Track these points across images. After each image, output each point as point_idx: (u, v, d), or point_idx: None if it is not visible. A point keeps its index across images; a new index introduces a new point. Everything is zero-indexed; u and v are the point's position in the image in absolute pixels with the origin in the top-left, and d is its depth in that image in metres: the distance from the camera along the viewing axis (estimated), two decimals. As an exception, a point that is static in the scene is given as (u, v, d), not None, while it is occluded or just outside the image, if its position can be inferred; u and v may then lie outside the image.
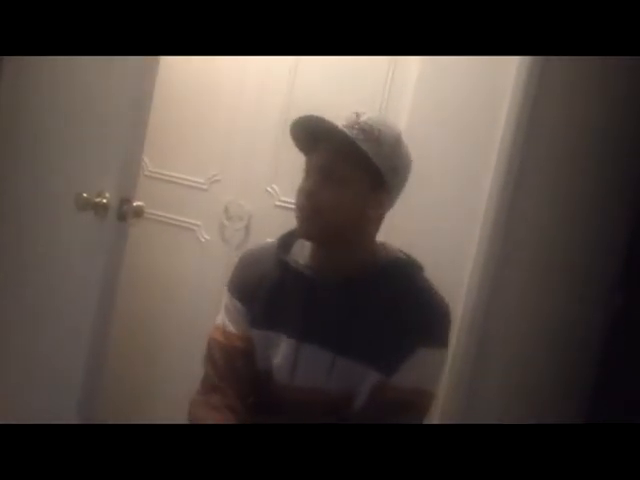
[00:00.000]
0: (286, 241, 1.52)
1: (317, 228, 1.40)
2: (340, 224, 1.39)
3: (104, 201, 1.74)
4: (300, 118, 1.41)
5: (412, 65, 1.95)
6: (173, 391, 1.90)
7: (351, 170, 1.38)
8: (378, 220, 1.45)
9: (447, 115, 1.90)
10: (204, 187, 2.29)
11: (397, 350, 1.37)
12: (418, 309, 1.40)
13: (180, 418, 1.48)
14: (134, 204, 1.78)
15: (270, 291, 1.48)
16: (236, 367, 1.47)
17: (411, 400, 1.38)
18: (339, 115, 1.43)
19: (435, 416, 1.84)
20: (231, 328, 1.50)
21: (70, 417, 1.80)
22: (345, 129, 1.36)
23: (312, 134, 1.41)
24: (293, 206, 2.02)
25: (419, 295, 1.43)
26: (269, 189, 2.19)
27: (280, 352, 1.45)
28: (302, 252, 1.49)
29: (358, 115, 1.39)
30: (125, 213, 1.76)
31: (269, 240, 1.63)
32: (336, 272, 1.42)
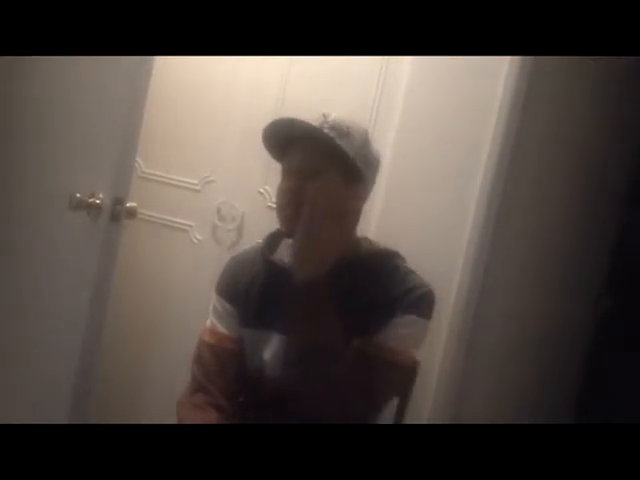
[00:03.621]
0: (271, 241, 1.55)
1: (299, 225, 1.40)
2: (321, 219, 1.41)
3: (97, 201, 1.74)
4: (272, 122, 1.43)
5: (404, 66, 1.96)
6: (165, 392, 1.90)
7: (327, 166, 1.42)
8: (356, 213, 1.50)
9: (439, 115, 1.91)
10: (197, 188, 2.29)
11: (378, 318, 1.41)
12: (399, 289, 1.44)
13: (171, 419, 1.49)
14: (127, 205, 1.78)
15: (259, 290, 1.50)
16: (225, 368, 1.49)
17: (386, 359, 1.40)
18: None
19: (425, 416, 1.86)
20: (221, 329, 1.52)
21: (61, 417, 1.80)
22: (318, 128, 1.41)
23: (286, 137, 1.44)
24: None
25: (401, 280, 1.46)
26: (261, 190, 2.19)
27: (272, 348, 1.47)
28: (288, 251, 1.51)
29: (326, 115, 1.44)
30: (118, 214, 1.76)
31: (258, 242, 1.64)
32: (319, 267, 1.41)
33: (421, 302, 1.45)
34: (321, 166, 1.42)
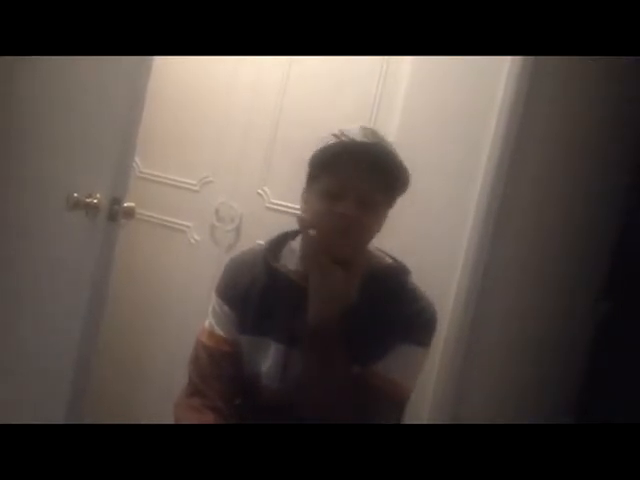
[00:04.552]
0: (275, 246, 1.52)
1: (346, 249, 1.38)
2: (365, 245, 1.44)
3: (95, 201, 1.74)
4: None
5: (404, 65, 1.96)
6: (163, 392, 1.89)
7: (384, 194, 1.41)
8: None
9: (439, 116, 1.91)
10: (195, 188, 2.29)
11: (381, 346, 1.40)
12: (405, 311, 1.43)
13: (169, 420, 1.48)
14: (125, 205, 1.78)
15: (259, 296, 1.48)
16: (221, 370, 1.48)
17: (385, 389, 1.40)
18: (335, 121, 1.45)
19: (425, 416, 1.85)
20: (219, 332, 1.50)
21: (58, 418, 1.79)
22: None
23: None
24: (289, 210, 2.03)
25: (407, 299, 1.46)
26: (260, 191, 2.19)
27: (269, 357, 1.46)
28: (291, 257, 1.49)
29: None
30: (116, 213, 1.76)
31: (259, 242, 1.63)
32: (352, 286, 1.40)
33: (424, 330, 1.46)
34: (380, 195, 1.40)
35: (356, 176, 1.37)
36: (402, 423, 1.50)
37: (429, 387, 1.85)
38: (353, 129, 1.41)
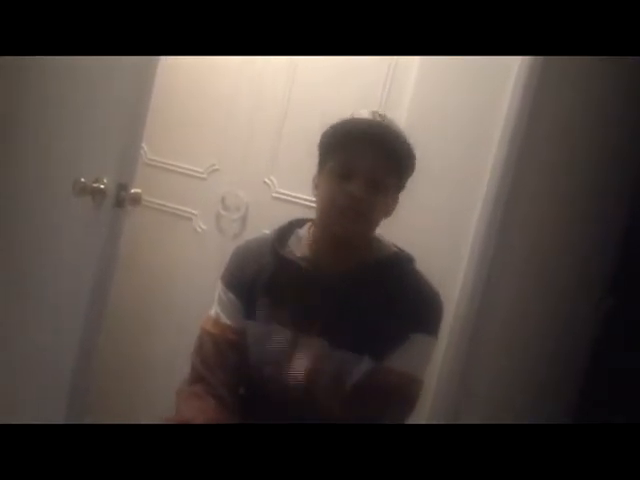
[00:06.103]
0: (282, 234, 1.53)
1: (355, 230, 1.41)
2: (374, 227, 1.45)
3: (102, 187, 1.73)
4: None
5: (412, 64, 1.94)
6: (167, 382, 1.90)
7: (395, 177, 1.43)
8: None
9: (446, 115, 1.90)
10: (202, 176, 2.29)
11: (390, 338, 1.41)
12: (411, 299, 1.44)
13: (171, 412, 1.48)
14: (132, 191, 1.77)
15: (266, 284, 1.48)
16: (226, 359, 1.47)
17: (400, 384, 1.41)
18: (342, 111, 1.45)
19: (425, 415, 1.85)
20: (224, 320, 1.50)
21: (58, 416, 1.79)
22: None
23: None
24: (295, 200, 2.03)
25: (412, 287, 1.47)
26: (267, 180, 2.18)
27: (276, 344, 1.46)
28: (299, 245, 1.50)
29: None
30: (122, 200, 1.75)
31: (264, 232, 1.63)
32: (334, 265, 1.43)
33: (432, 318, 1.46)
34: (391, 177, 1.42)
35: (365, 154, 1.39)
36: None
37: (429, 386, 1.85)
38: (364, 112, 1.43)
